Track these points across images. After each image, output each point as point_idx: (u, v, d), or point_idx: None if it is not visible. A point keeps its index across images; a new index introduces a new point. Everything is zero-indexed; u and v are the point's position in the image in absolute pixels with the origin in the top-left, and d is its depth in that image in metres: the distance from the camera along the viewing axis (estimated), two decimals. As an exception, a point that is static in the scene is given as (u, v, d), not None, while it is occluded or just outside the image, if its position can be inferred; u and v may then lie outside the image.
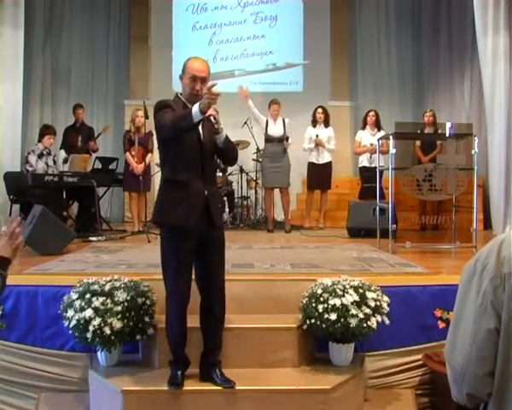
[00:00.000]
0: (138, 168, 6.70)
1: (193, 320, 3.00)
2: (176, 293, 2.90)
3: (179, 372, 2.97)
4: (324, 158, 7.38)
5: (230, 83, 9.30)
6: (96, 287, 3.17)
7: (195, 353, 3.06)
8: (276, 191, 7.25)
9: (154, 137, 7.16)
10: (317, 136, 7.24)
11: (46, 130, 6.73)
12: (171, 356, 3.03)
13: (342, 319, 3.08)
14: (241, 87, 7.21)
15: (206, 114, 2.69)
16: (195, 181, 2.84)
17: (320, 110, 7.38)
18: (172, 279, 2.90)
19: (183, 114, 2.74)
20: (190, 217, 2.81)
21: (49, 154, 6.63)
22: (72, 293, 3.21)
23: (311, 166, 7.33)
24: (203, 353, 3.03)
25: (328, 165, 7.42)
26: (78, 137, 7.50)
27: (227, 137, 2.88)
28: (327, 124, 7.41)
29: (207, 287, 2.95)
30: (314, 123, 7.38)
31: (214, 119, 2.73)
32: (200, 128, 2.84)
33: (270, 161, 7.00)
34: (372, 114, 7.37)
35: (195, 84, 2.81)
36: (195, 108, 2.62)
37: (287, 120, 7.14)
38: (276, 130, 7.04)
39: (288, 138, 7.09)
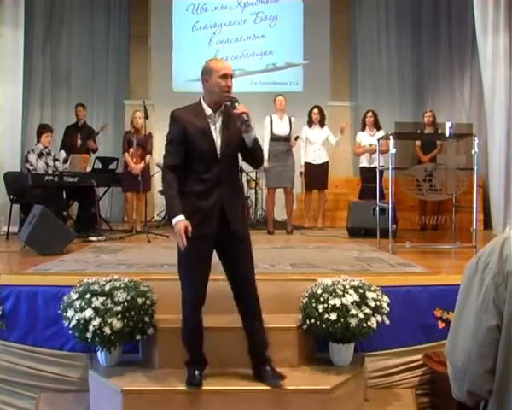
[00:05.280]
0: (136, 168, 6.71)
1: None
2: (188, 294, 2.91)
3: (197, 372, 2.96)
4: (321, 158, 7.36)
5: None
6: (95, 287, 3.17)
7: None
8: (279, 191, 7.05)
9: (155, 140, 7.26)
10: (296, 138, 7.10)
11: (42, 129, 6.73)
12: (187, 356, 3.02)
13: (342, 319, 3.08)
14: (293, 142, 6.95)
15: (238, 112, 2.76)
16: (212, 189, 2.82)
17: (316, 111, 7.34)
18: (186, 281, 2.91)
19: (171, 205, 2.80)
20: (207, 225, 2.80)
21: (48, 154, 6.64)
22: (72, 293, 3.20)
23: (308, 166, 7.29)
24: (249, 352, 3.02)
25: (325, 165, 7.40)
26: (77, 137, 7.49)
27: (256, 137, 2.88)
28: (322, 124, 7.39)
29: (236, 292, 2.96)
30: (310, 123, 7.35)
31: (247, 116, 2.76)
32: (216, 133, 2.84)
33: (275, 161, 6.78)
34: (370, 114, 7.37)
35: (227, 81, 2.84)
36: (174, 221, 2.73)
37: (293, 119, 6.99)
38: (282, 128, 6.85)
39: (297, 137, 7.04)
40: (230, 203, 2.86)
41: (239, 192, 3.07)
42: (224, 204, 2.83)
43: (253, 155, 2.95)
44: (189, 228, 2.71)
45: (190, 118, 2.84)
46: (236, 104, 2.81)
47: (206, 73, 2.86)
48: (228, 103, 2.83)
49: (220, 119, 2.88)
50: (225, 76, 2.82)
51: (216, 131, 2.85)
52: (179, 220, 2.72)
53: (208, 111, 2.86)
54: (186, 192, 2.82)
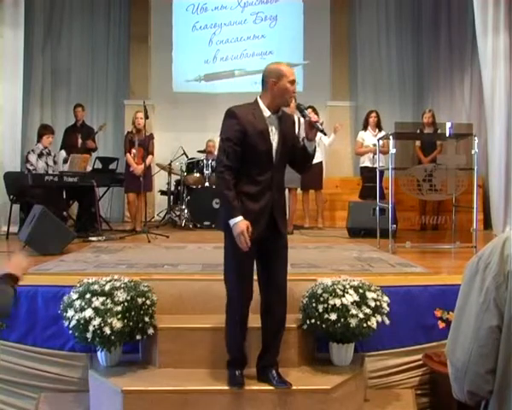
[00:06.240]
0: (138, 169, 6.71)
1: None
2: (238, 295, 2.88)
3: (238, 372, 2.96)
4: (315, 158, 7.31)
5: (230, 83, 9.32)
6: (96, 287, 3.17)
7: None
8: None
9: (155, 140, 7.24)
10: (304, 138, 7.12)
11: (44, 130, 6.74)
12: (228, 357, 3.01)
13: (342, 319, 3.08)
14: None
15: (314, 120, 2.87)
16: (264, 192, 2.83)
17: (310, 110, 7.33)
18: (236, 281, 2.88)
19: (231, 206, 2.73)
20: (257, 227, 2.77)
21: (48, 154, 6.64)
22: (72, 293, 3.21)
23: None
24: (260, 353, 3.03)
25: (319, 165, 7.38)
26: (77, 137, 7.50)
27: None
28: None
29: (268, 288, 2.94)
30: None
31: (321, 125, 2.86)
32: (273, 135, 2.85)
33: None
34: (374, 114, 7.37)
35: (294, 87, 2.87)
36: (234, 221, 2.69)
37: (302, 120, 7.01)
38: None
39: (304, 139, 6.99)
40: (278, 204, 2.91)
41: (283, 193, 3.15)
42: (273, 206, 2.85)
43: (309, 161, 3.06)
44: (250, 228, 2.69)
45: (249, 118, 2.81)
46: (306, 111, 2.88)
47: (275, 76, 2.83)
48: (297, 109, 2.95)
49: (276, 122, 2.88)
50: (293, 82, 2.85)
51: (272, 133, 2.85)
52: (240, 221, 2.69)
53: (267, 113, 2.84)
54: (237, 193, 2.78)
